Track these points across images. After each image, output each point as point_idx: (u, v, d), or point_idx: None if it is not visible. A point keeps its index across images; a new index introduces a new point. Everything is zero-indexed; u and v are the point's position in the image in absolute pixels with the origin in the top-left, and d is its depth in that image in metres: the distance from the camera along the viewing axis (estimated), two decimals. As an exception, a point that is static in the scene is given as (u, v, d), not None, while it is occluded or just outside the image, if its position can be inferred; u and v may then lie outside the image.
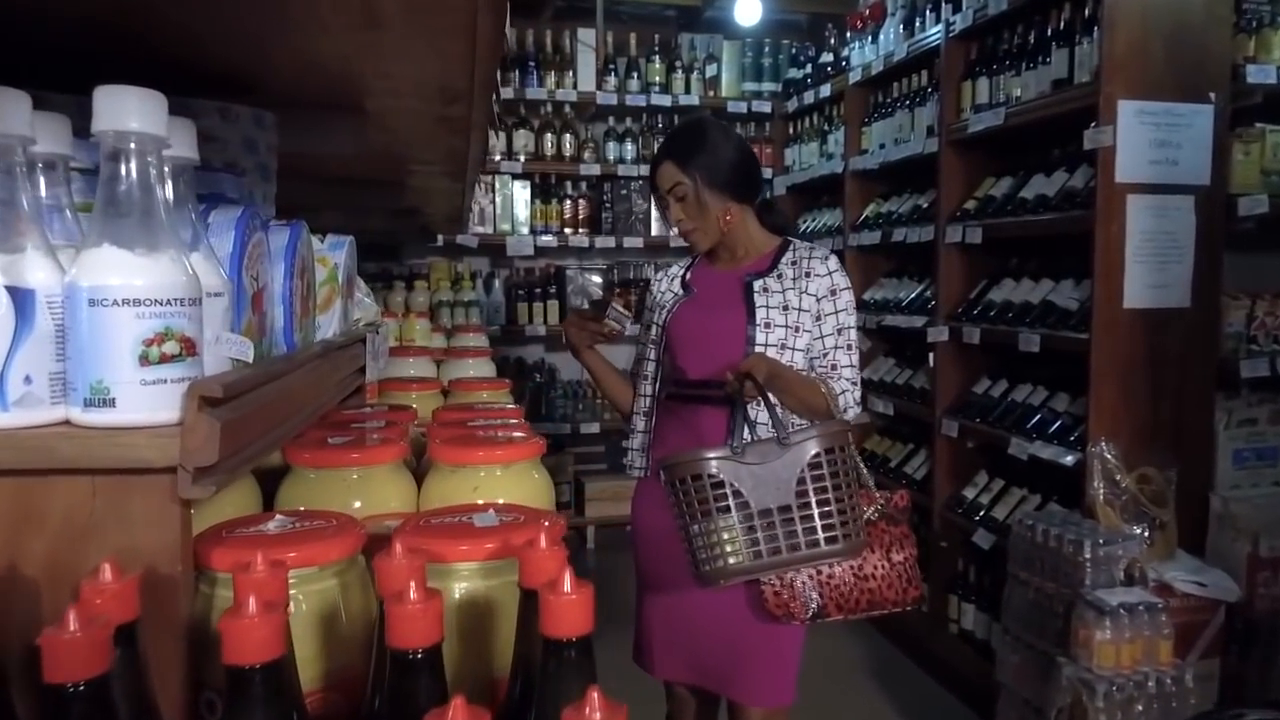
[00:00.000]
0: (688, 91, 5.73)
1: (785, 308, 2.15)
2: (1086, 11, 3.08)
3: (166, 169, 0.79)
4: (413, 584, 0.64)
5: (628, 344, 2.53)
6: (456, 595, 0.86)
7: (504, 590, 0.85)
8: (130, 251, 0.71)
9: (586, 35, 5.59)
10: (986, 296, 3.69)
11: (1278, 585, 2.87)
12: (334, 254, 1.45)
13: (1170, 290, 2.98)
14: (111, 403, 0.70)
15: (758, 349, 2.11)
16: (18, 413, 0.71)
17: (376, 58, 1.20)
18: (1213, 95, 2.96)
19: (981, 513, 3.62)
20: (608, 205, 5.70)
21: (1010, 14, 3.47)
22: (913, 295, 4.29)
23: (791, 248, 2.25)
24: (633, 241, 5.67)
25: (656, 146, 2.46)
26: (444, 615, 0.66)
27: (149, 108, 0.72)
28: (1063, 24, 3.22)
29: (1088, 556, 2.67)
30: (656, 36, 5.78)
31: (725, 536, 1.74)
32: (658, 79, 5.71)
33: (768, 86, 5.88)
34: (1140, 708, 2.53)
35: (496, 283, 5.67)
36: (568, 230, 5.68)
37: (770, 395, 1.90)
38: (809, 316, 2.15)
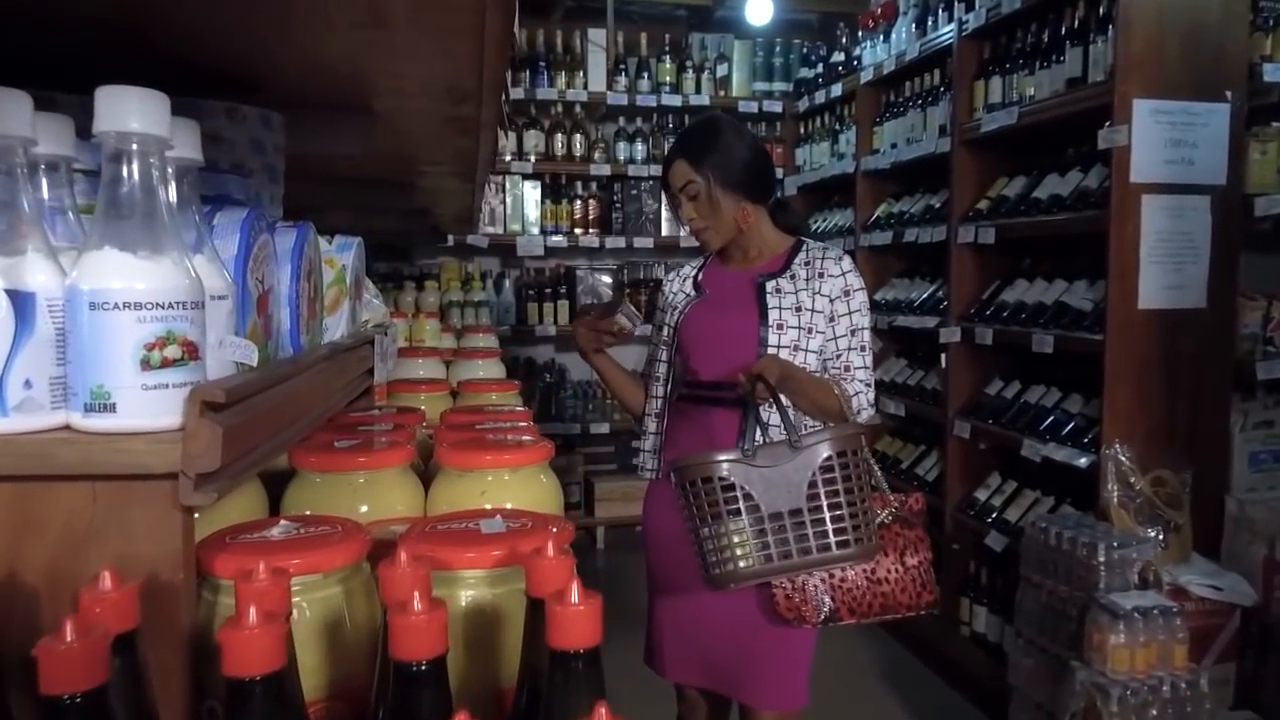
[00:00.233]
0: (698, 91, 5.72)
1: (798, 309, 2.13)
2: (1101, 10, 3.06)
3: (169, 170, 0.78)
4: (417, 594, 0.62)
5: (639, 344, 2.52)
6: (462, 603, 0.85)
7: (511, 598, 0.84)
8: (132, 254, 0.70)
9: (597, 35, 5.58)
10: (999, 297, 3.67)
11: (1294, 589, 2.85)
12: (342, 255, 1.43)
13: (1186, 291, 2.95)
14: (112, 408, 0.69)
15: (770, 350, 2.10)
16: (17, 418, 0.70)
17: (384, 57, 1.19)
18: (1229, 94, 2.93)
19: (994, 515, 3.60)
20: (618, 205, 5.69)
21: (1024, 12, 3.44)
22: (924, 296, 4.27)
23: (805, 248, 2.23)
24: (643, 242, 5.66)
25: (667, 147, 2.45)
26: (449, 624, 0.65)
27: (151, 108, 0.71)
28: (1077, 22, 3.19)
29: (1102, 559, 2.65)
30: (667, 36, 5.76)
31: (735, 539, 1.73)
32: (668, 79, 5.70)
33: (779, 86, 5.87)
34: (1155, 712, 2.50)
35: (507, 283, 5.67)
36: (578, 230, 5.67)
37: (782, 397, 1.88)
38: (822, 317, 2.14)
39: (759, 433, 1.92)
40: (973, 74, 3.77)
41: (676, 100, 5.67)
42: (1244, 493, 3.05)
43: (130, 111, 0.70)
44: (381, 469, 1.18)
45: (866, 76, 4.68)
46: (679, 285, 2.34)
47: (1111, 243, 2.91)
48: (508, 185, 5.52)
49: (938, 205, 4.16)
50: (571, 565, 0.71)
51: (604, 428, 5.61)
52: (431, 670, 0.62)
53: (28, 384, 0.70)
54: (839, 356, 2.14)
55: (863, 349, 2.16)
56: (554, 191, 5.67)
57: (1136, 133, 2.87)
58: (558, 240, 5.62)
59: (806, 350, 2.12)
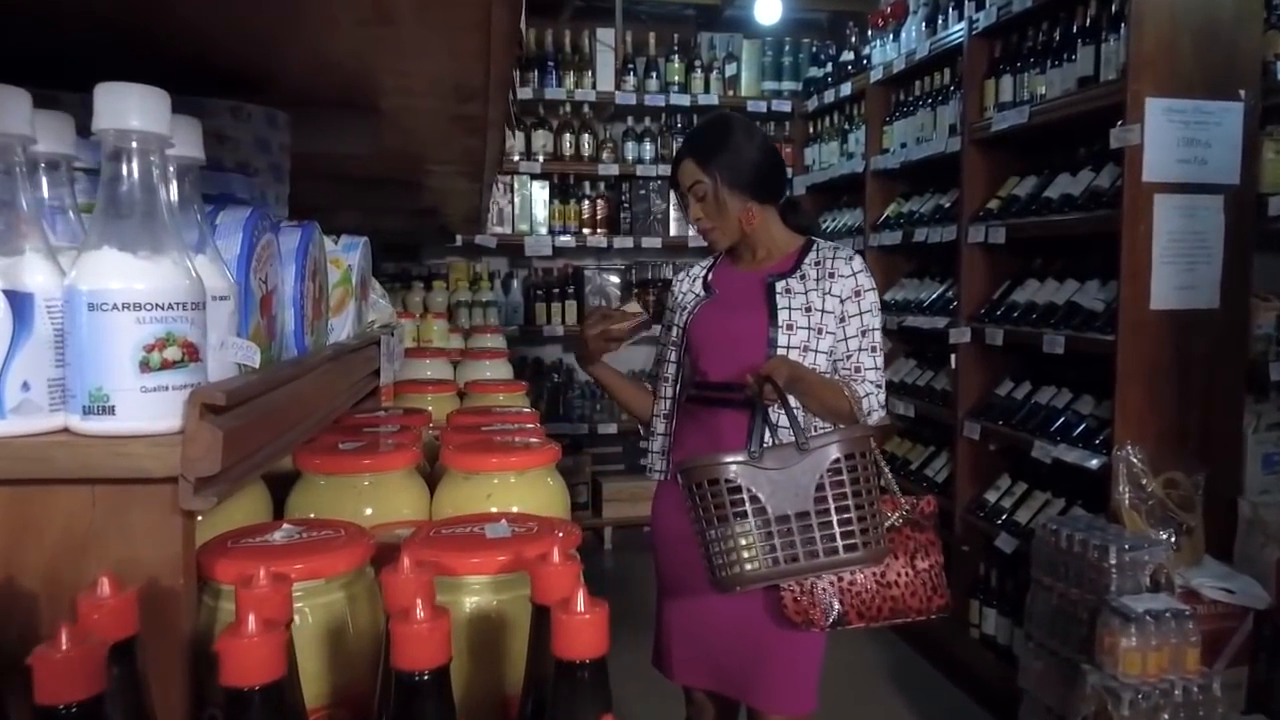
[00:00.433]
0: (707, 91, 5.70)
1: (808, 309, 2.11)
2: (1113, 8, 3.03)
3: (170, 169, 0.77)
4: (419, 602, 0.61)
5: (648, 344, 2.50)
6: (467, 609, 0.83)
7: (516, 605, 0.82)
8: (131, 254, 0.69)
9: (605, 35, 5.56)
10: (1010, 297, 3.64)
11: (1308, 593, 2.82)
12: (348, 255, 1.42)
13: (1198, 291, 2.93)
14: (111, 410, 0.68)
15: (780, 351, 2.08)
16: (15, 420, 0.69)
17: (389, 54, 1.18)
18: (1243, 93, 2.91)
19: (1004, 516, 3.57)
20: (626, 205, 5.68)
21: (1035, 11, 3.42)
22: (934, 296, 4.25)
23: (815, 248, 2.21)
24: (651, 242, 5.64)
25: (676, 146, 2.44)
26: (453, 630, 0.63)
27: (151, 105, 0.70)
28: (1089, 21, 3.17)
29: (1113, 562, 2.63)
30: (675, 36, 5.75)
31: (743, 542, 1.71)
32: (677, 78, 5.68)
33: (788, 85, 5.84)
34: (1166, 716, 2.48)
35: (515, 283, 5.67)
36: (586, 230, 5.66)
37: (790, 399, 1.86)
38: (832, 318, 2.12)
39: (767, 434, 1.90)
40: (983, 73, 3.75)
41: (685, 100, 5.66)
42: (1257, 495, 3.03)
43: (130, 109, 0.69)
44: (386, 471, 1.17)
45: (876, 75, 4.66)
46: (688, 285, 2.33)
47: (1123, 243, 2.89)
48: (516, 185, 5.52)
49: (948, 205, 4.14)
50: (577, 572, 0.70)
51: (611, 428, 5.59)
52: (434, 680, 0.61)
53: (25, 386, 0.69)
54: (849, 357, 2.12)
55: (874, 350, 2.14)
56: (562, 191, 5.66)
57: (1149, 132, 2.85)
58: (566, 240, 5.61)
59: (816, 351, 2.11)
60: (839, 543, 1.70)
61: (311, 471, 1.15)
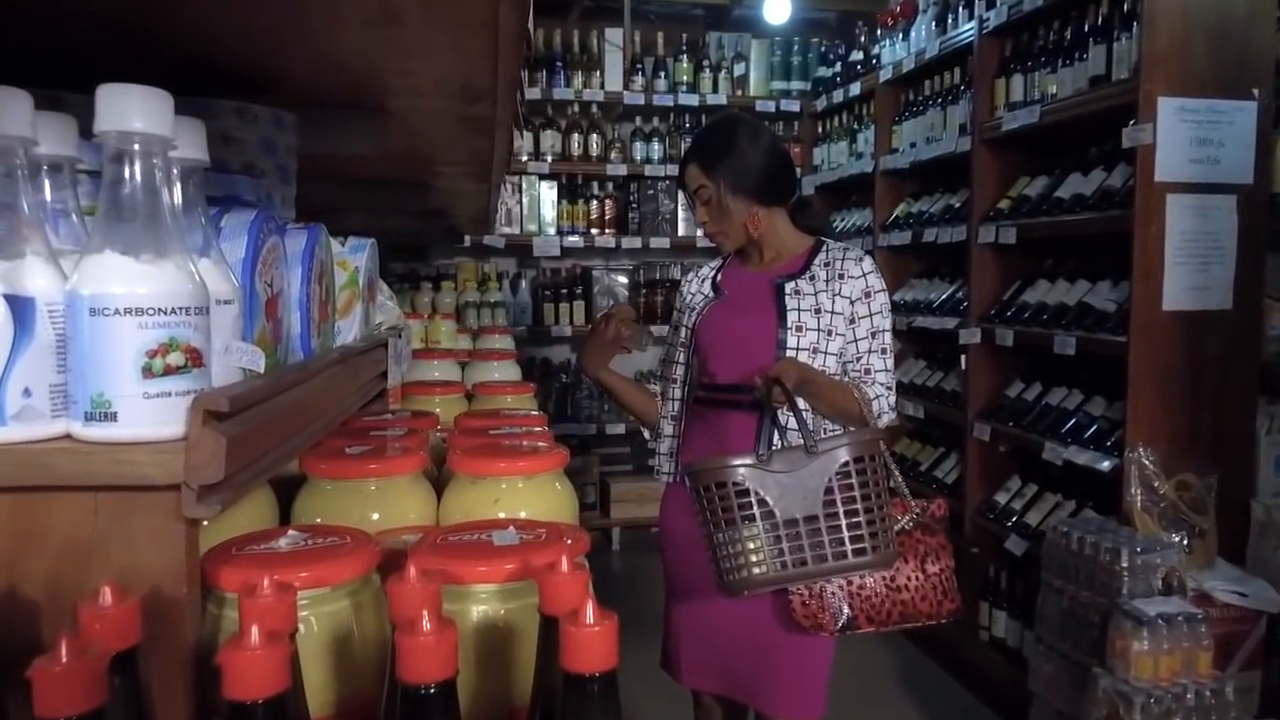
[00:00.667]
0: (715, 91, 5.68)
1: (817, 310, 2.10)
2: (1125, 7, 3.01)
3: (173, 171, 0.76)
4: (426, 613, 0.60)
5: (654, 345, 2.49)
6: (474, 618, 0.82)
7: (524, 613, 0.81)
8: (134, 258, 0.68)
9: (614, 35, 5.55)
10: (1020, 298, 3.62)
11: (1322, 596, 2.79)
12: (354, 257, 1.41)
13: (1211, 292, 2.90)
14: (113, 417, 0.67)
15: (789, 353, 2.06)
16: (16, 427, 0.68)
17: (396, 54, 1.16)
18: (1256, 92, 2.88)
19: (1014, 518, 3.56)
20: (634, 205, 5.67)
21: (1045, 10, 3.40)
22: (944, 296, 4.23)
23: (825, 249, 2.20)
24: (659, 242, 5.63)
25: (684, 146, 2.43)
26: (460, 640, 0.62)
27: (153, 107, 0.69)
28: (1100, 20, 3.14)
29: (1125, 565, 2.61)
30: (684, 36, 5.73)
31: (750, 546, 1.70)
32: (685, 78, 5.67)
33: (796, 85, 5.82)
34: (1179, 720, 2.47)
35: (523, 283, 5.66)
36: (594, 231, 5.65)
37: (799, 402, 1.85)
38: (842, 319, 2.10)
39: (776, 437, 1.89)
40: (994, 72, 3.73)
41: (693, 100, 5.64)
42: (1270, 497, 3.00)
43: (132, 110, 0.68)
44: (393, 476, 1.16)
45: (885, 75, 4.64)
46: (697, 286, 2.32)
47: (1135, 243, 2.87)
48: (524, 185, 5.51)
49: (958, 205, 4.12)
50: (586, 581, 0.69)
51: (619, 428, 5.58)
52: (440, 693, 0.60)
53: (27, 392, 0.68)
54: (859, 359, 2.11)
55: (884, 352, 2.12)
56: (570, 192, 5.65)
57: (1161, 131, 2.83)
58: (574, 240, 5.60)
59: (826, 352, 2.09)
60: (848, 547, 1.69)
61: (318, 476, 1.14)
